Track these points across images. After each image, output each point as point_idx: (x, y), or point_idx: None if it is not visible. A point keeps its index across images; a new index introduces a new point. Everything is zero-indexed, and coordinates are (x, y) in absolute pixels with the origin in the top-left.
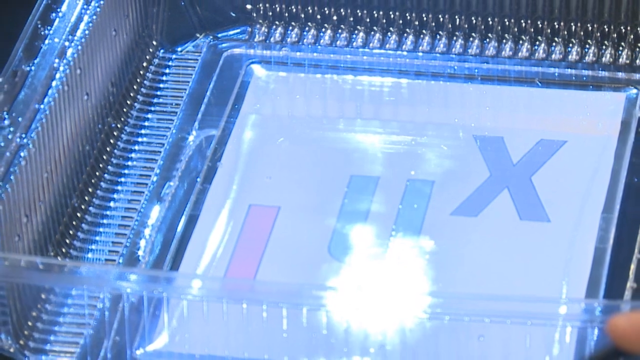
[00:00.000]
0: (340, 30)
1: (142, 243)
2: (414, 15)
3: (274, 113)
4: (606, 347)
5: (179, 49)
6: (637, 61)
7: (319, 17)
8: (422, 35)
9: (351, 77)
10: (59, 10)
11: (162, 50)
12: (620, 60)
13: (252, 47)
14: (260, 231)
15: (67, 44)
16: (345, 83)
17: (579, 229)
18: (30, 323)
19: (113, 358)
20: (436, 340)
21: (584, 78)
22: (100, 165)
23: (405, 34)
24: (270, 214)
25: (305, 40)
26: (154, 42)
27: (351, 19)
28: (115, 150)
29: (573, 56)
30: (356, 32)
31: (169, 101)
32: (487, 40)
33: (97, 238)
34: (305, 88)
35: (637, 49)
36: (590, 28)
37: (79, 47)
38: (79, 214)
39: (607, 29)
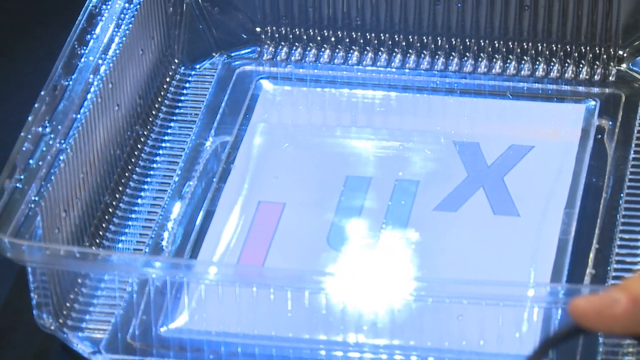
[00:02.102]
0: (337, 50)
1: (166, 235)
2: (401, 37)
3: (280, 122)
4: (568, 326)
5: (198, 66)
6: (595, 77)
7: (319, 38)
8: (408, 54)
9: (347, 90)
10: (93, 32)
11: (182, 67)
12: (581, 76)
13: (261, 64)
14: (268, 224)
15: (100, 61)
16: (341, 96)
17: (544, 222)
18: (68, 304)
19: (140, 334)
20: (421, 319)
21: (549, 91)
22: (129, 167)
23: (394, 53)
24: (276, 209)
25: (307, 59)
26: (176, 60)
27: (347, 40)
28: (142, 154)
29: (540, 72)
30: (351, 51)
31: (188, 111)
32: (465, 58)
33: (127, 230)
34: (307, 100)
35: (595, 66)
36: (554, 48)
37: (111, 65)
38: (110, 210)
39: (569, 49)
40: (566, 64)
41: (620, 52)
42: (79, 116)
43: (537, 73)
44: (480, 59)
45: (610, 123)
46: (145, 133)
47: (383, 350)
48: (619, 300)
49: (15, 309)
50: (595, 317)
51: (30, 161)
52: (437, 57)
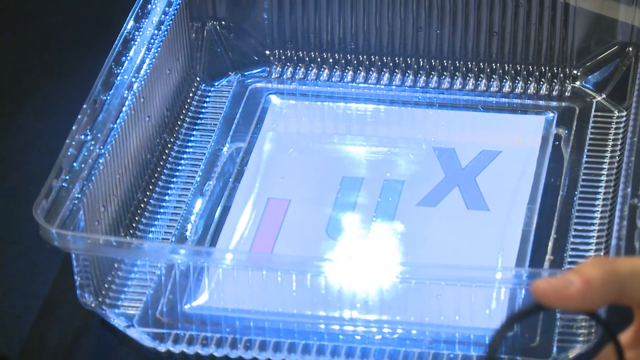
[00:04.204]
0: (335, 70)
1: (189, 227)
2: (389, 58)
3: (286, 130)
4: (530, 303)
5: (216, 84)
6: (554, 92)
7: (319, 60)
8: (395, 73)
9: (343, 104)
10: (127, 55)
11: (203, 85)
12: (541, 92)
13: (270, 82)
14: (275, 218)
15: (133, 79)
16: (338, 109)
17: (510, 216)
18: (106, 285)
19: (168, 311)
20: (405, 297)
21: (514, 105)
22: (158, 169)
23: (382, 72)
24: (283, 205)
25: (309, 77)
26: (198, 78)
27: (343, 61)
28: (169, 158)
29: (506, 89)
30: (346, 71)
31: (208, 122)
32: (443, 76)
33: (156, 223)
34: (309, 112)
35: (553, 84)
36: (518, 68)
37: (142, 82)
38: (142, 205)
39: (531, 69)
40: (529, 82)
41: (575, 72)
42: (115, 126)
43: (504, 89)
44: (455, 77)
45: (566, 132)
46: (171, 140)
47: (373, 324)
48: (573, 282)
49: (61, 290)
50: (553, 296)
51: (74, 164)
52: (419, 75)
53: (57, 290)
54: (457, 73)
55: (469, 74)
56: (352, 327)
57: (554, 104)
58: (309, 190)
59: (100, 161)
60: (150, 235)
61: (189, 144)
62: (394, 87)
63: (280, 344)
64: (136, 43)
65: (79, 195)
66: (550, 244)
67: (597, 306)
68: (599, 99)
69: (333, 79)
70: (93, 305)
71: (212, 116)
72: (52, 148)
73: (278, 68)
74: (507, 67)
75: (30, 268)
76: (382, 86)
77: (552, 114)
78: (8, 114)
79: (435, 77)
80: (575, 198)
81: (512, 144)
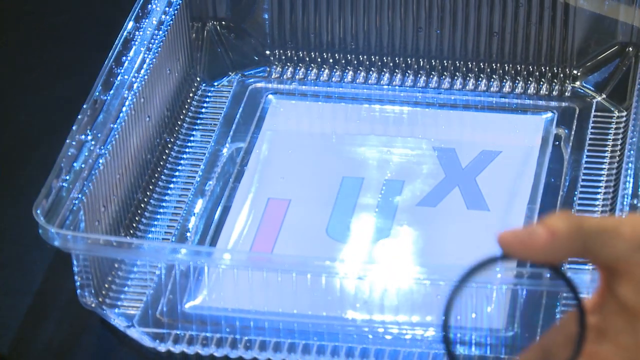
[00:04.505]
0: (334, 70)
1: (189, 226)
2: (389, 58)
3: (286, 131)
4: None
5: (216, 84)
6: (553, 92)
7: (319, 60)
8: (395, 73)
9: (342, 104)
10: (128, 55)
11: (203, 85)
12: (541, 92)
13: (270, 82)
14: (276, 217)
15: (134, 79)
16: (338, 109)
17: (510, 216)
18: (107, 285)
19: (168, 311)
20: (405, 297)
21: (514, 105)
22: (158, 169)
23: (382, 73)
24: (283, 205)
25: (309, 77)
26: (198, 79)
27: (343, 61)
28: (169, 158)
29: (506, 89)
30: (346, 71)
31: (208, 122)
32: (443, 77)
33: (156, 223)
34: (309, 112)
35: (553, 84)
36: (518, 68)
37: (143, 82)
38: (142, 205)
39: (531, 69)
40: (529, 82)
41: (575, 72)
42: (115, 126)
43: (504, 89)
44: (455, 77)
45: (566, 132)
46: (172, 140)
47: (374, 324)
48: (539, 233)
49: (61, 290)
50: (518, 246)
51: (75, 164)
52: (419, 75)
53: (57, 290)
54: (457, 73)
55: (469, 74)
56: (352, 327)
57: (554, 104)
58: (309, 190)
59: (101, 161)
60: (150, 235)
61: (189, 144)
62: (394, 87)
63: (280, 344)
64: (136, 43)
65: (79, 195)
66: None
67: (561, 259)
68: (599, 99)
69: (333, 79)
70: (93, 305)
71: (212, 116)
72: (52, 148)
73: (278, 68)
74: (507, 67)
75: (30, 268)
76: (382, 86)
77: (552, 114)
78: (8, 114)
79: (435, 77)
80: (575, 198)
81: (512, 144)
